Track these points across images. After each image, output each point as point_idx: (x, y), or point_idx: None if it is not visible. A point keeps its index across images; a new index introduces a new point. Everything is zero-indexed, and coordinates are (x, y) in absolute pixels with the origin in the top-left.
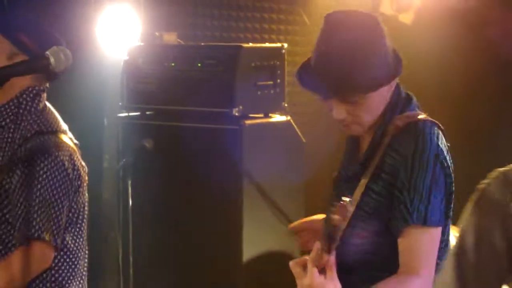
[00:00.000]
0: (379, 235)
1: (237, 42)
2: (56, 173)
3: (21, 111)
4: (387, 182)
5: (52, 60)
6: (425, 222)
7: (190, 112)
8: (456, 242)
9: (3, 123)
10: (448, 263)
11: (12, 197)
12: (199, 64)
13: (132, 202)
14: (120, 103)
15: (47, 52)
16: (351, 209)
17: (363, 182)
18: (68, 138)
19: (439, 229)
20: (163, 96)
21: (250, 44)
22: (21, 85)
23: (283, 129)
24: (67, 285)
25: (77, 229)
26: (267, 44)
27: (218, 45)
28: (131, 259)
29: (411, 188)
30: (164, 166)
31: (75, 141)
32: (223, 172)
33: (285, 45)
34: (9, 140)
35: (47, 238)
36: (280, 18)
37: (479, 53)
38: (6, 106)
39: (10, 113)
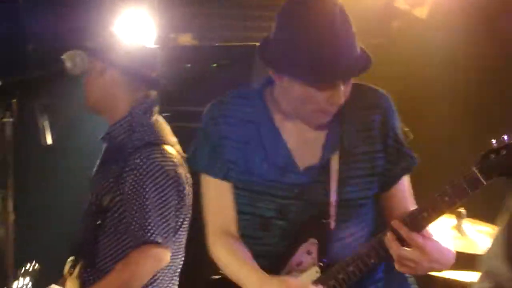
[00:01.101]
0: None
1: (252, 42)
2: (163, 181)
3: (133, 124)
4: None
5: (68, 64)
6: None
7: None
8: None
9: (119, 137)
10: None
11: (125, 202)
12: (214, 65)
13: None
14: None
15: (63, 57)
16: None
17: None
18: (175, 150)
19: None
20: (179, 97)
21: None
22: (128, 99)
23: None
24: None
25: (178, 235)
26: None
27: (233, 45)
28: None
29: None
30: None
31: (182, 154)
32: None
33: None
34: (122, 150)
35: (160, 240)
36: None
37: (496, 47)
38: (122, 122)
39: (126, 128)
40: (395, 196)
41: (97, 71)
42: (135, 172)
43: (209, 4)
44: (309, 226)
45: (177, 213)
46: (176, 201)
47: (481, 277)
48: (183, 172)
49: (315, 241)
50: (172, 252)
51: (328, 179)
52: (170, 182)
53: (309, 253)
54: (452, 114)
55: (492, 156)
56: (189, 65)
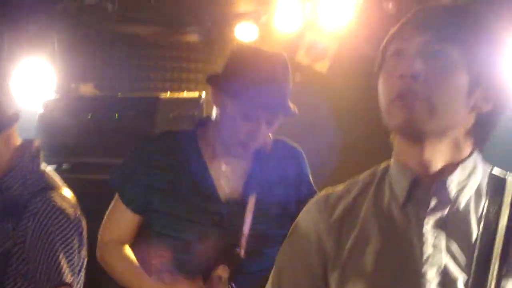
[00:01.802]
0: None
1: (155, 92)
2: (65, 225)
3: (25, 172)
4: None
5: None
6: None
7: (107, 164)
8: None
9: (13, 188)
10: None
11: (29, 248)
12: (116, 115)
13: None
14: None
15: None
16: None
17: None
18: (68, 193)
19: None
20: (79, 149)
21: (168, 95)
22: (9, 152)
23: None
24: None
25: (79, 277)
26: (185, 94)
27: (136, 96)
28: None
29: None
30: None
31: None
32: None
33: (204, 93)
34: (17, 198)
35: (70, 280)
36: (198, 67)
37: None
38: (13, 173)
39: (18, 177)
40: None
41: None
42: (37, 216)
43: (110, 54)
44: (223, 252)
45: (79, 254)
46: (78, 243)
47: None
48: (79, 213)
49: (226, 267)
50: None
51: (244, 212)
52: (72, 225)
53: (220, 278)
54: (357, 160)
55: None
56: (90, 115)
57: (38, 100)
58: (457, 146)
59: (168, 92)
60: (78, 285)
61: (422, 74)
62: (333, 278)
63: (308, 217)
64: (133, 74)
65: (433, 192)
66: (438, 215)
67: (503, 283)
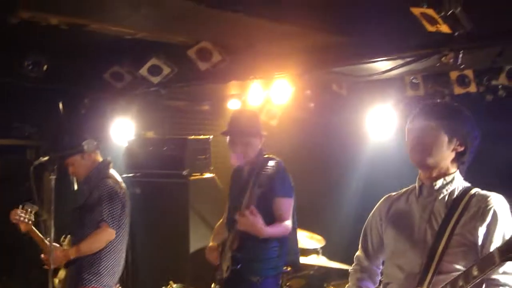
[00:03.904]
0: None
1: (185, 136)
2: (114, 196)
3: (98, 171)
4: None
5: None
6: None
7: (159, 173)
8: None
9: (92, 177)
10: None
11: (94, 208)
12: (165, 148)
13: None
14: (123, 169)
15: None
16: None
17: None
18: (120, 181)
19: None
20: (145, 165)
21: (192, 136)
22: (92, 161)
23: (210, 181)
24: (110, 253)
25: (122, 227)
26: (201, 136)
27: (175, 137)
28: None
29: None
30: (145, 202)
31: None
32: (177, 206)
33: (211, 137)
34: (93, 187)
35: (107, 221)
36: (207, 123)
37: (312, 146)
38: (91, 174)
39: (94, 179)
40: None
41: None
42: (98, 191)
43: (162, 116)
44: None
45: (122, 212)
46: (121, 206)
47: None
48: (125, 192)
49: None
50: (117, 236)
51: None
52: (117, 196)
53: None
54: (310, 168)
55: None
56: (151, 148)
57: (125, 139)
58: (446, 169)
59: (193, 135)
60: (120, 230)
61: (423, 137)
62: (383, 230)
63: (379, 203)
64: (173, 126)
65: (427, 190)
66: (428, 200)
67: (453, 237)
